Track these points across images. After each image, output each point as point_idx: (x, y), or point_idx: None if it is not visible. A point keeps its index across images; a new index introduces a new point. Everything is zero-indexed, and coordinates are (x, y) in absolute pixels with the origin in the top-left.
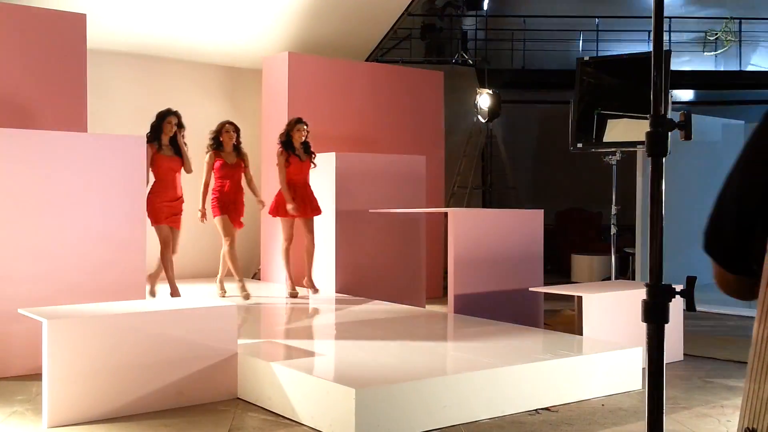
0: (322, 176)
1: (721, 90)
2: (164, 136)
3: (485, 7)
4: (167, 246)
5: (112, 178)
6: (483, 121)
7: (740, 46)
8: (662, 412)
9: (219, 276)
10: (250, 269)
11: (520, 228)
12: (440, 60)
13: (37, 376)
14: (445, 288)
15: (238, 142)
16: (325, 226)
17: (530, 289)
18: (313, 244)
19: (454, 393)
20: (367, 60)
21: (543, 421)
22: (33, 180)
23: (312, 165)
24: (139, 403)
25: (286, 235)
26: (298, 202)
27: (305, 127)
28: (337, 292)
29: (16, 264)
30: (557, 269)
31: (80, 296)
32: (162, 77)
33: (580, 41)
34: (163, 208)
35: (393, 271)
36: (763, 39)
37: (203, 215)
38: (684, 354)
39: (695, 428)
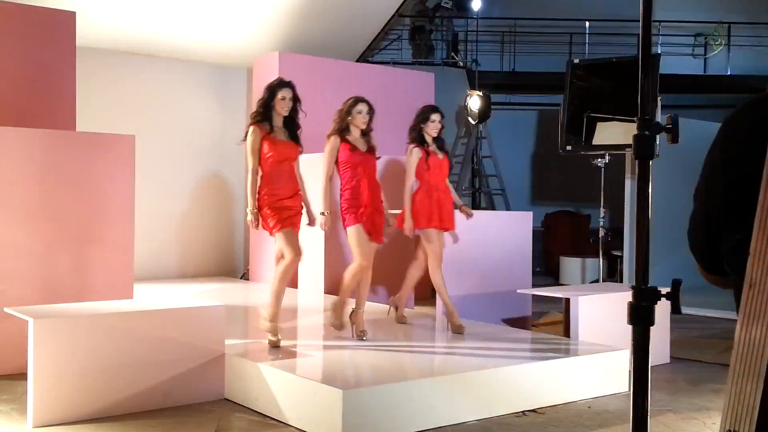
0: (312, 177)
1: (709, 93)
2: (276, 115)
3: (476, 9)
4: (299, 255)
5: (101, 176)
6: (473, 122)
7: (729, 50)
8: (647, 415)
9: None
10: (238, 269)
11: (509, 230)
12: (430, 61)
13: (22, 376)
14: (434, 290)
15: (370, 128)
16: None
17: (518, 291)
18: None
19: (441, 394)
20: (357, 60)
21: (530, 422)
22: (21, 178)
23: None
24: (126, 404)
25: (435, 251)
26: (438, 209)
27: (440, 117)
28: (325, 292)
29: (2, 262)
30: (546, 271)
31: (67, 296)
32: (151, 76)
33: (571, 44)
34: (283, 207)
35: (382, 271)
36: (751, 43)
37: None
38: (670, 357)
39: (681, 431)
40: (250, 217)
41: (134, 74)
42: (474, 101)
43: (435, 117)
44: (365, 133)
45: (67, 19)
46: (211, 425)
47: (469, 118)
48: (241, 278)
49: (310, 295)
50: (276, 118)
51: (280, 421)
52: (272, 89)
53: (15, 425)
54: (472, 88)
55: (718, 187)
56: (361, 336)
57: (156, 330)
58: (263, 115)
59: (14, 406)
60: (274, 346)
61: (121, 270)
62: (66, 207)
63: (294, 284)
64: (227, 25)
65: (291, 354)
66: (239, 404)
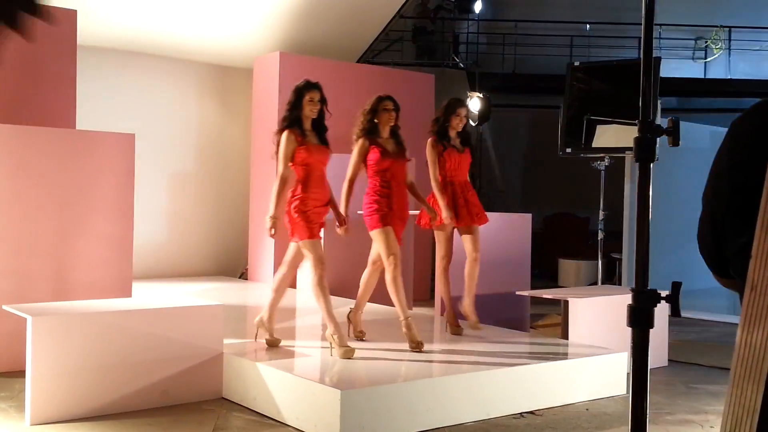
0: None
1: (709, 97)
2: (305, 118)
3: (477, 10)
4: (324, 263)
5: (100, 175)
6: (473, 124)
7: (729, 54)
8: (646, 417)
9: (402, 316)
10: (237, 269)
11: (508, 232)
12: (431, 63)
13: (20, 373)
14: (433, 290)
15: (398, 126)
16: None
17: (517, 292)
18: (478, 262)
19: (439, 396)
20: (358, 61)
21: (527, 424)
22: (20, 176)
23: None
24: (124, 402)
25: (444, 251)
26: (459, 207)
27: (466, 111)
28: None
29: (1, 260)
30: (544, 273)
31: (66, 293)
32: (152, 75)
33: (571, 46)
34: (315, 216)
35: (381, 272)
36: (751, 47)
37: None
38: (668, 360)
39: None
40: (268, 224)
41: (135, 73)
42: (474, 103)
43: (461, 111)
44: (394, 133)
45: (68, 17)
46: (209, 424)
47: (470, 120)
48: (239, 278)
49: (309, 296)
50: (305, 121)
51: (278, 421)
52: (299, 91)
53: (13, 423)
54: (473, 89)
55: (723, 191)
56: (359, 337)
57: (154, 329)
58: (292, 119)
59: (12, 404)
60: (273, 345)
61: (120, 268)
62: (65, 205)
63: (293, 284)
64: (228, 25)
65: (289, 354)
66: (237, 403)
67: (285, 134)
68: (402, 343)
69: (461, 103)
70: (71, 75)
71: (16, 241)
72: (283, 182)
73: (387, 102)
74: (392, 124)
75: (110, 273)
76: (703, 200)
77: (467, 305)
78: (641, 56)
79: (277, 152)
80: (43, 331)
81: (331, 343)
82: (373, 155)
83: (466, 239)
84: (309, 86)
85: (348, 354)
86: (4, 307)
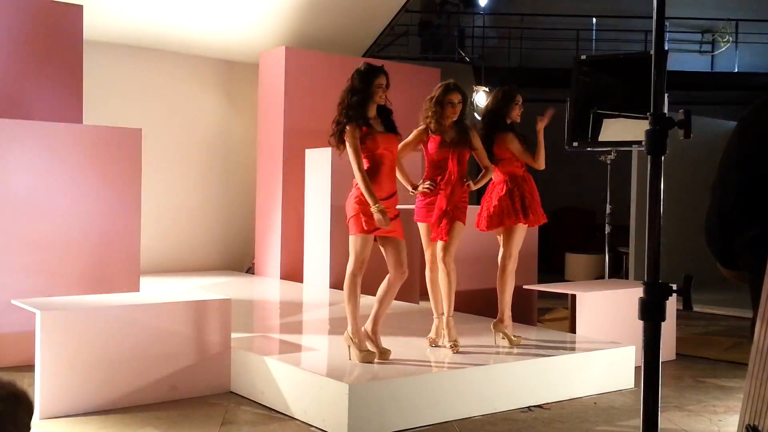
0: (319, 172)
1: (716, 91)
2: (371, 105)
3: (482, 4)
4: (362, 267)
5: (107, 169)
6: (479, 118)
7: (736, 47)
8: (658, 410)
9: (444, 316)
10: (244, 263)
11: None
12: (437, 57)
13: (29, 368)
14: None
15: (464, 115)
16: (320, 221)
17: (524, 286)
18: (505, 271)
19: (446, 389)
20: (363, 56)
21: (535, 418)
22: (28, 171)
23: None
24: (132, 396)
25: (500, 250)
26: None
27: (522, 99)
28: (331, 287)
29: (9, 255)
30: (551, 267)
31: (74, 288)
32: (158, 69)
33: (577, 40)
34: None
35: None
36: (759, 40)
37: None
38: (676, 353)
39: (687, 427)
40: (378, 215)
41: (141, 68)
42: (480, 97)
43: (519, 99)
44: (458, 123)
45: (75, 12)
46: (218, 418)
47: (476, 114)
48: (246, 272)
49: (316, 290)
50: (371, 108)
51: (286, 415)
52: (368, 76)
53: None
54: (479, 83)
55: (732, 184)
56: (454, 348)
57: (162, 323)
58: (357, 108)
59: None
60: (365, 361)
61: (128, 263)
62: (72, 200)
63: (299, 278)
64: (234, 20)
65: (297, 348)
66: (245, 397)
67: (348, 129)
68: (409, 336)
69: (518, 90)
70: (78, 70)
71: (24, 237)
72: (364, 172)
73: (453, 93)
74: (456, 117)
75: (118, 267)
76: (711, 193)
77: (508, 319)
78: (653, 49)
79: (338, 142)
80: (52, 326)
81: (349, 346)
82: (431, 146)
83: (507, 239)
84: (378, 70)
85: (368, 358)
86: (12, 301)
